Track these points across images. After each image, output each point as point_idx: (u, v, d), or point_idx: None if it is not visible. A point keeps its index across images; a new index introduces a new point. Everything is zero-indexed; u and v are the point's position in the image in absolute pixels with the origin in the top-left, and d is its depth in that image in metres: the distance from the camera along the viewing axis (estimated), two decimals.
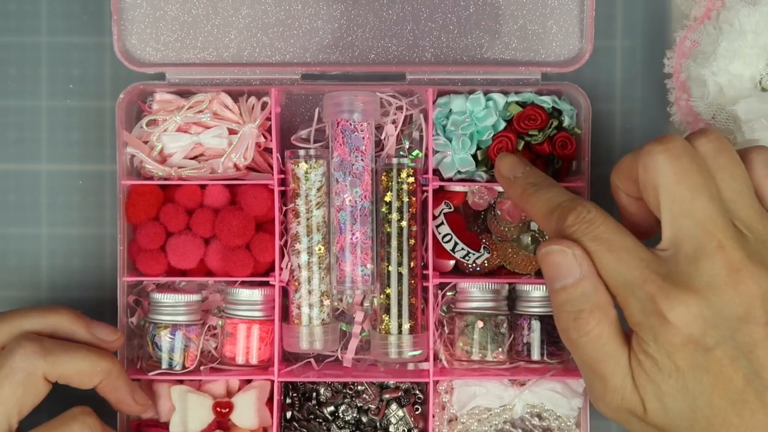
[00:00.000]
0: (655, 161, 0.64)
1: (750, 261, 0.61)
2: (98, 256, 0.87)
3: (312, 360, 0.86)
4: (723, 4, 0.81)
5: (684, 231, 0.62)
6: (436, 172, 0.84)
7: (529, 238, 0.84)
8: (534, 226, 0.84)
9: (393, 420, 0.85)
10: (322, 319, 0.83)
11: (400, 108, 0.85)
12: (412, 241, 0.82)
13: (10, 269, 0.88)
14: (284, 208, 0.83)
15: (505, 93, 0.84)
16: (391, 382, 0.85)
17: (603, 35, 0.87)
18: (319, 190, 0.82)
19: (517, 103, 0.84)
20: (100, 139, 0.87)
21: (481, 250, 0.83)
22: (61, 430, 0.73)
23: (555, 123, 0.83)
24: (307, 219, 0.82)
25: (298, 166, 0.82)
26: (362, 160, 0.82)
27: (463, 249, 0.83)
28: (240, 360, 0.84)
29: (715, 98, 0.81)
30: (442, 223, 0.83)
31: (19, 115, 0.88)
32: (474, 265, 0.83)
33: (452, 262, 0.85)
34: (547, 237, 0.83)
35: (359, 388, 0.85)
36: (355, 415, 0.85)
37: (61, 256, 0.88)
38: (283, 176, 0.83)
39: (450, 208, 0.83)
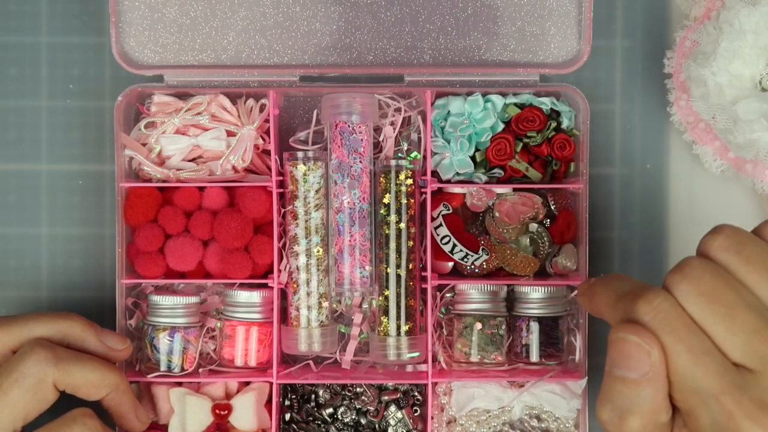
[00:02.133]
0: (680, 293, 0.59)
1: None
2: (98, 257, 0.87)
3: (311, 362, 0.86)
4: (723, 4, 0.81)
5: (743, 348, 0.57)
6: (434, 173, 0.84)
7: (528, 240, 0.84)
8: (533, 227, 0.84)
9: (392, 422, 0.85)
10: (321, 321, 0.83)
11: (398, 110, 0.85)
12: (411, 243, 0.82)
13: (10, 269, 0.88)
14: (283, 210, 0.83)
15: (504, 95, 0.84)
16: (390, 383, 0.85)
17: (603, 35, 0.87)
18: (317, 192, 0.82)
19: (516, 104, 0.83)
20: (100, 139, 0.87)
21: (480, 251, 0.83)
22: None
23: (553, 124, 0.83)
24: (306, 221, 0.82)
25: (296, 168, 0.82)
26: (360, 161, 0.82)
27: (461, 251, 0.83)
28: (239, 362, 0.84)
29: (715, 98, 0.80)
30: (440, 225, 0.83)
31: (19, 115, 0.88)
32: (473, 266, 0.83)
33: (451, 264, 0.85)
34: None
35: (358, 389, 0.85)
36: (353, 416, 0.85)
37: (61, 256, 0.88)
38: (281, 178, 0.83)
39: (448, 210, 0.83)
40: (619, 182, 0.88)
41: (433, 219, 0.83)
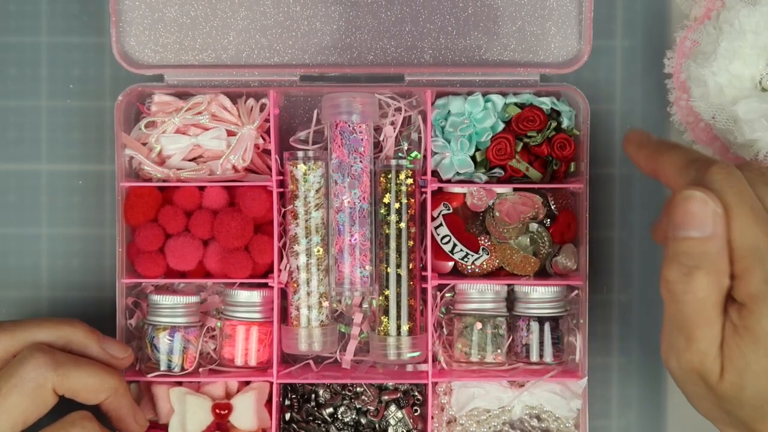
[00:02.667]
0: (749, 176, 0.64)
1: None
2: (98, 256, 0.87)
3: (311, 362, 0.86)
4: (723, 4, 0.81)
5: None
6: (434, 173, 0.84)
7: (528, 240, 0.84)
8: (533, 227, 0.83)
9: (392, 422, 0.85)
10: (321, 321, 0.83)
11: (398, 109, 0.85)
12: (411, 243, 0.82)
13: (10, 269, 0.88)
14: (283, 210, 0.83)
15: (504, 94, 0.84)
16: (390, 383, 0.85)
17: (603, 35, 0.87)
18: (317, 191, 0.82)
19: (516, 104, 0.84)
20: (100, 139, 0.87)
21: (480, 251, 0.83)
22: None
23: (554, 124, 0.83)
24: (306, 220, 0.82)
25: (296, 167, 0.82)
26: (361, 161, 0.82)
27: (462, 250, 0.83)
28: (239, 362, 0.84)
29: (715, 98, 0.80)
30: (440, 225, 0.83)
31: (19, 115, 0.88)
32: (473, 266, 0.83)
33: (451, 264, 0.85)
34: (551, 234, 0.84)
35: (358, 389, 0.85)
36: (354, 416, 0.85)
37: (61, 256, 0.88)
38: (281, 178, 0.83)
39: (449, 210, 0.83)
40: (619, 182, 0.88)
41: (433, 219, 0.83)
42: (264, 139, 0.85)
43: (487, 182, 0.83)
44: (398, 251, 0.82)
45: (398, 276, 0.82)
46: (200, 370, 0.84)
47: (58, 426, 0.73)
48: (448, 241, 0.83)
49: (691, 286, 0.62)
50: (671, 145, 0.70)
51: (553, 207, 0.84)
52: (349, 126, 0.81)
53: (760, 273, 0.60)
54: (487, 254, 0.83)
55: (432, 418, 0.84)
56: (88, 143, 0.87)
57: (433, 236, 0.83)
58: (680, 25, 0.84)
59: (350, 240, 0.82)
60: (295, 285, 0.83)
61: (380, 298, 0.83)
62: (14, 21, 0.87)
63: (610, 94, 0.88)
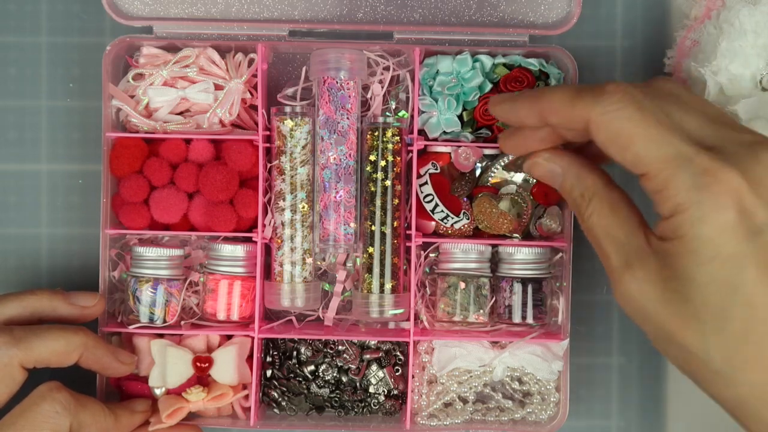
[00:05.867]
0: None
1: None
2: (98, 256, 0.84)
3: (293, 318, 0.85)
4: (723, 3, 0.81)
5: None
6: (421, 132, 0.84)
7: (509, 202, 0.83)
8: (512, 188, 0.83)
9: (373, 381, 0.85)
10: (304, 277, 0.83)
11: (387, 68, 0.85)
12: (396, 201, 0.82)
13: (10, 269, 0.87)
14: (269, 165, 0.83)
15: (493, 55, 0.84)
16: (372, 342, 0.85)
17: (603, 36, 0.87)
18: (304, 147, 0.82)
19: (504, 65, 0.83)
20: (99, 138, 0.84)
21: (461, 215, 0.83)
22: (32, 412, 0.72)
23: (541, 86, 0.83)
24: (292, 176, 0.82)
25: (283, 123, 0.82)
26: (348, 118, 0.81)
27: (442, 211, 0.82)
28: (221, 316, 0.83)
29: (715, 98, 0.80)
30: (425, 183, 0.82)
31: (19, 115, 0.87)
32: (451, 229, 0.83)
33: (433, 224, 0.84)
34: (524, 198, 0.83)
35: (340, 347, 0.85)
36: (335, 374, 0.85)
37: (61, 256, 0.87)
38: (268, 133, 0.83)
39: (437, 170, 0.83)
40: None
41: (420, 176, 0.83)
42: (252, 93, 0.85)
43: (473, 142, 0.83)
44: (383, 209, 0.82)
45: (382, 234, 0.82)
46: (182, 323, 0.83)
47: (29, 402, 0.73)
48: (431, 200, 0.82)
49: (582, 213, 0.68)
50: (548, 88, 0.70)
51: None
52: (336, 82, 0.81)
53: (686, 177, 0.60)
54: (467, 219, 0.83)
55: (413, 377, 0.83)
56: (88, 143, 0.87)
57: (417, 195, 0.83)
58: (680, 25, 0.84)
59: (335, 197, 0.81)
60: (279, 241, 0.82)
61: (364, 255, 0.82)
62: (14, 21, 0.87)
63: (599, 62, 0.87)
